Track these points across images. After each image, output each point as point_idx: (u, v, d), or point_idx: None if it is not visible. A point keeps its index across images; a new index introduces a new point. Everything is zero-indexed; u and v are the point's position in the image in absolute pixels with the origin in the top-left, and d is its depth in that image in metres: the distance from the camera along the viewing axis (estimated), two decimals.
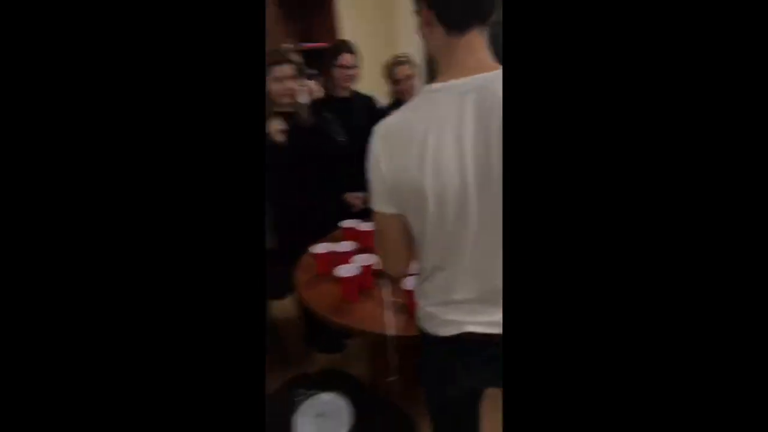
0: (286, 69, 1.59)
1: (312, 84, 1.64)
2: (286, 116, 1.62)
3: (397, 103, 1.85)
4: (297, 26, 2.58)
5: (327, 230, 1.63)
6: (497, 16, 0.66)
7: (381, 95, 2.03)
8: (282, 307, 2.02)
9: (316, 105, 1.67)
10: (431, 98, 0.66)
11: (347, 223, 1.53)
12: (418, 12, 0.67)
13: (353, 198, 1.80)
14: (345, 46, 1.76)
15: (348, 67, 1.74)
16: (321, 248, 1.41)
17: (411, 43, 2.25)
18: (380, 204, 0.72)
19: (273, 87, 1.59)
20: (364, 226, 1.49)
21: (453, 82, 0.64)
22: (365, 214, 0.80)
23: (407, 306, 1.10)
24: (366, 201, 1.50)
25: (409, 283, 1.08)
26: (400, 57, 1.87)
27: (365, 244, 1.42)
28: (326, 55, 1.82)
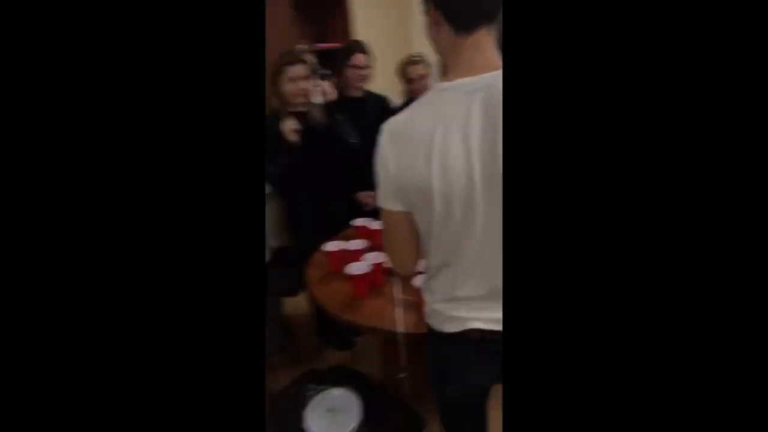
0: (299, 69, 1.61)
1: (326, 85, 1.66)
2: (300, 116, 1.65)
3: (411, 102, 1.86)
4: (312, 27, 2.61)
5: (339, 229, 1.65)
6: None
7: (395, 94, 2.04)
8: (295, 304, 2.05)
9: (330, 106, 1.69)
10: (439, 97, 0.67)
11: (359, 222, 1.54)
12: (427, 12, 0.68)
13: (365, 197, 1.81)
14: (358, 47, 1.78)
15: (361, 67, 1.75)
16: (333, 246, 1.43)
17: (425, 42, 2.25)
18: (387, 202, 0.73)
19: (287, 87, 1.61)
20: (376, 224, 1.50)
21: (460, 81, 0.65)
22: (377, 212, 0.81)
23: (417, 303, 1.10)
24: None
25: (418, 280, 1.09)
26: (413, 56, 1.87)
27: (376, 242, 1.43)
28: (339, 56, 1.84)
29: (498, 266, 0.69)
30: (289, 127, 1.59)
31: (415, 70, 1.83)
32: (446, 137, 0.64)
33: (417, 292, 1.11)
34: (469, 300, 0.74)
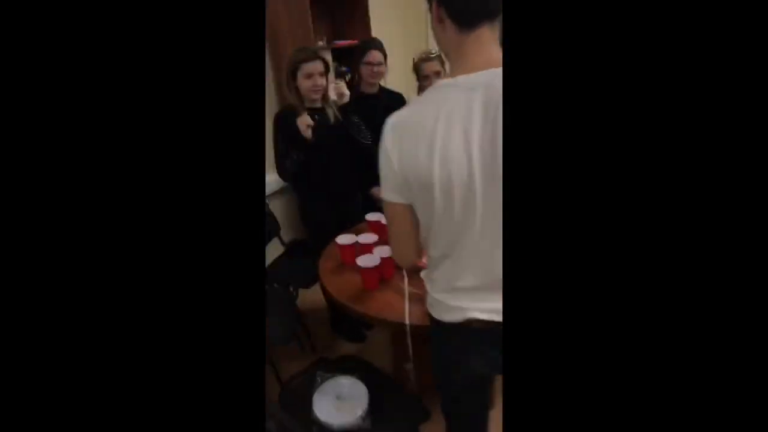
0: (316, 66, 1.64)
1: (342, 86, 1.69)
2: (316, 112, 1.68)
3: None
4: (330, 25, 2.64)
5: (352, 223, 1.69)
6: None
7: (411, 91, 2.06)
8: (309, 297, 2.10)
9: (344, 107, 1.72)
10: (441, 93, 0.69)
11: (371, 216, 1.57)
12: (431, 9, 0.70)
13: (378, 192, 1.84)
14: (372, 44, 1.80)
15: (375, 64, 1.77)
16: (345, 239, 1.47)
17: None
18: (390, 194, 0.75)
19: (303, 83, 1.65)
20: None
21: (462, 77, 0.67)
22: None
23: (424, 296, 1.13)
24: None
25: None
26: (428, 53, 1.89)
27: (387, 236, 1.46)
28: (355, 53, 1.87)
29: (496, 257, 0.70)
30: (305, 122, 1.63)
31: (430, 67, 1.84)
32: (447, 132, 0.66)
33: (423, 285, 1.14)
34: (469, 290, 0.76)
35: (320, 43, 2.31)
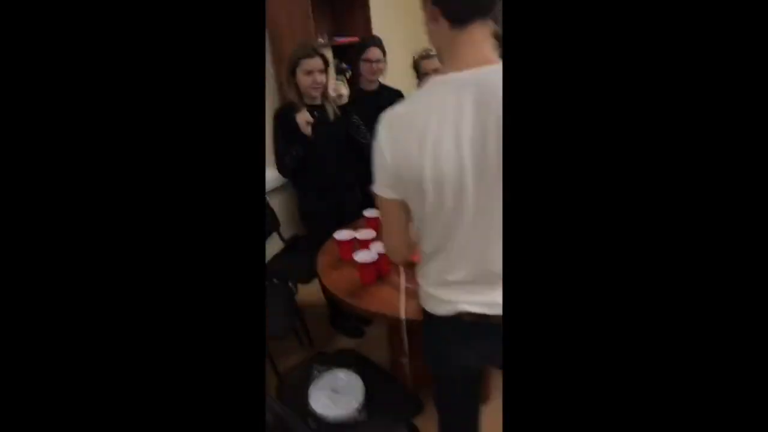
0: (316, 62, 1.66)
1: (341, 87, 1.69)
2: (315, 109, 1.70)
3: None
4: (332, 22, 2.65)
5: (351, 219, 1.70)
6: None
7: (410, 89, 2.07)
8: (308, 293, 2.12)
9: (344, 108, 1.73)
10: (434, 90, 0.70)
11: (370, 213, 1.59)
12: (424, 7, 0.71)
13: None
14: (372, 41, 1.81)
15: (374, 61, 1.78)
16: (343, 235, 1.48)
17: None
18: (383, 189, 0.77)
19: (302, 80, 1.66)
20: None
21: (454, 75, 0.68)
22: None
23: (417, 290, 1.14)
24: None
25: None
26: (428, 51, 1.90)
27: None
28: (354, 50, 1.88)
29: (486, 251, 0.72)
30: (304, 119, 1.64)
31: (429, 65, 1.85)
32: (439, 128, 0.67)
33: None
34: (460, 284, 0.77)
35: (321, 40, 2.31)
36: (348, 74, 2.44)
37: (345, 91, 1.69)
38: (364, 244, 1.40)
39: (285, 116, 1.68)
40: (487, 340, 0.78)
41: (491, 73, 0.66)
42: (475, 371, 0.89)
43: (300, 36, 2.12)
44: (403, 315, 1.10)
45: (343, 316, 2.00)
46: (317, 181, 1.77)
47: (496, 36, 1.69)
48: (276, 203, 2.27)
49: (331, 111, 1.73)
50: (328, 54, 2.40)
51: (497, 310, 0.76)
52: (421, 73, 1.91)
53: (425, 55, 1.88)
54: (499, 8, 0.70)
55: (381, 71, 1.82)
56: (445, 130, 0.67)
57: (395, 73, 2.00)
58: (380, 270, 1.32)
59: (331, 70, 2.00)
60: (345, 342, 1.99)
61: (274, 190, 2.28)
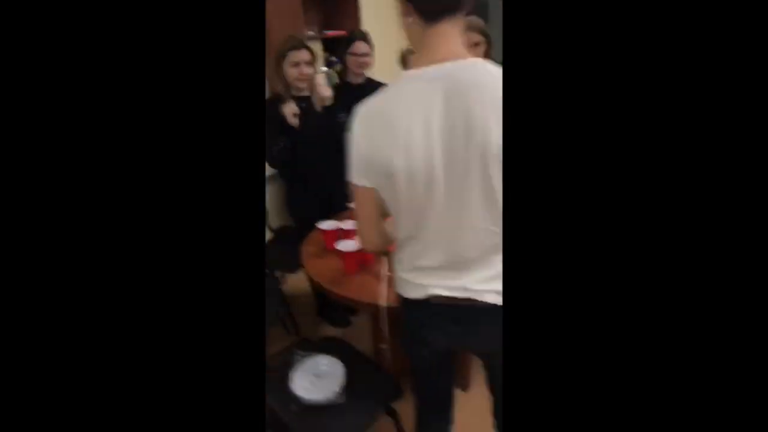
0: (303, 54, 1.67)
1: (325, 89, 1.70)
2: (302, 101, 1.72)
3: None
4: (321, 15, 2.66)
5: (337, 210, 1.73)
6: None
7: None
8: (295, 283, 2.15)
9: (329, 108, 1.73)
10: (406, 83, 0.73)
11: None
12: (398, 2, 0.73)
13: None
14: (358, 35, 1.83)
15: (360, 55, 1.80)
16: (328, 225, 1.51)
17: None
18: (357, 178, 0.79)
19: (290, 71, 1.68)
20: None
21: (425, 69, 0.71)
22: None
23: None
24: None
25: None
26: None
27: None
28: (341, 43, 1.90)
29: (456, 238, 0.75)
30: (290, 110, 1.66)
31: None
32: (410, 120, 0.70)
33: None
34: (431, 269, 0.80)
35: (310, 33, 2.33)
36: (338, 67, 2.45)
37: (328, 93, 1.70)
38: (348, 234, 1.43)
39: (273, 107, 1.70)
40: (458, 322, 0.82)
41: (460, 67, 0.69)
42: (448, 353, 0.93)
43: (289, 28, 2.13)
44: (383, 302, 1.13)
45: (330, 306, 2.03)
46: (304, 173, 1.79)
47: (478, 29, 1.71)
48: (265, 194, 2.29)
49: (317, 102, 1.75)
50: (318, 47, 2.41)
51: (467, 294, 0.79)
52: (408, 67, 1.93)
53: (412, 50, 1.90)
54: (470, 2, 0.72)
55: (367, 65, 1.84)
56: (415, 122, 0.70)
57: (384, 67, 2.02)
58: (363, 259, 1.35)
59: (319, 63, 2.02)
60: (331, 331, 2.02)
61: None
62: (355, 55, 1.80)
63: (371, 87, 1.95)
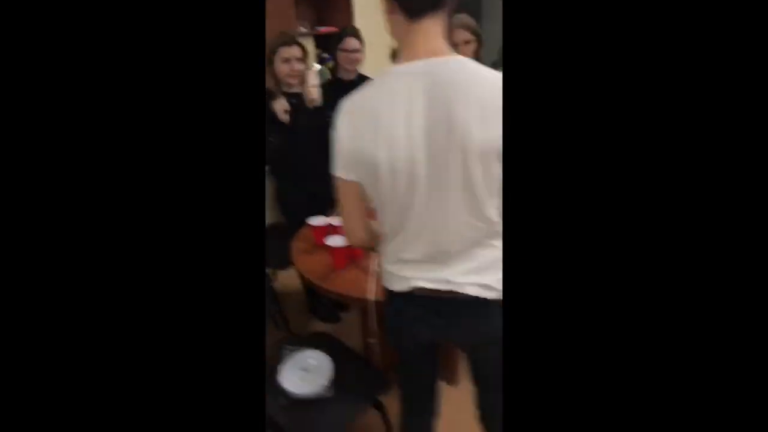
0: (294, 50, 1.68)
1: (313, 92, 1.70)
2: (293, 97, 1.72)
3: None
4: (315, 11, 2.65)
5: (327, 206, 1.73)
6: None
7: None
8: (286, 280, 2.15)
9: (318, 110, 1.73)
10: (389, 78, 0.74)
11: None
12: (382, 1, 0.74)
13: None
14: (349, 31, 1.83)
15: (351, 51, 1.81)
16: (318, 221, 1.52)
17: None
18: (340, 171, 0.80)
19: (280, 68, 1.68)
20: None
21: (407, 65, 0.72)
22: None
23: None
24: None
25: None
26: None
27: None
28: (332, 40, 1.90)
29: (438, 231, 0.77)
30: (282, 107, 1.66)
31: None
32: (392, 115, 0.71)
33: None
34: (414, 262, 0.82)
35: (302, 29, 2.33)
36: (330, 64, 2.45)
37: (317, 96, 1.70)
38: (338, 230, 1.44)
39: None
40: (441, 314, 0.83)
41: (442, 64, 0.70)
42: (432, 345, 0.94)
43: (280, 24, 2.13)
44: (371, 296, 1.14)
45: (320, 302, 2.04)
46: (295, 168, 1.80)
47: (468, 27, 1.72)
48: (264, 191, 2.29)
49: (308, 99, 1.76)
50: (310, 43, 2.41)
51: (449, 286, 0.81)
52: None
53: None
54: (453, 0, 0.74)
55: (358, 61, 1.85)
56: (397, 117, 0.71)
57: (376, 63, 2.03)
58: (352, 254, 1.36)
59: (311, 59, 2.02)
60: (322, 327, 2.03)
61: None
62: (346, 51, 1.81)
63: (363, 83, 1.95)
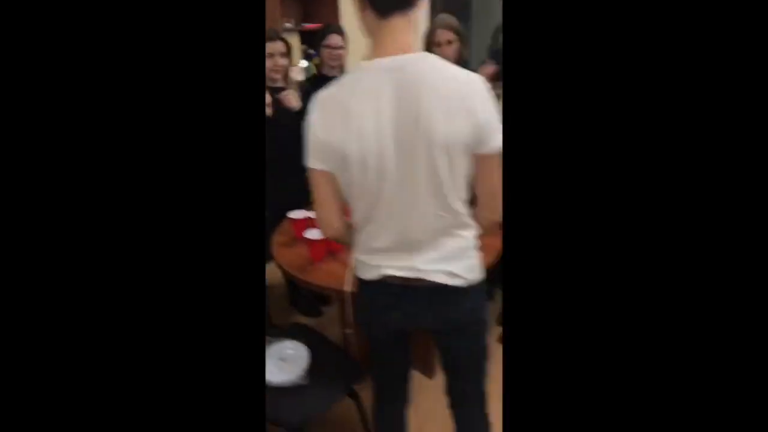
0: (277, 46, 1.69)
1: (294, 100, 1.71)
2: (276, 92, 1.73)
3: None
4: (302, 7, 2.67)
5: (308, 200, 1.75)
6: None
7: None
8: (268, 274, 2.16)
9: (300, 112, 1.74)
10: (360, 73, 0.77)
11: None
12: None
13: None
14: (332, 28, 1.85)
15: (334, 48, 1.83)
16: (297, 214, 1.54)
17: None
18: (313, 161, 0.83)
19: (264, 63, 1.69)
20: None
21: (378, 60, 0.75)
22: None
23: None
24: None
25: None
26: None
27: None
28: (317, 36, 1.92)
29: (408, 221, 0.80)
30: (265, 101, 1.67)
31: None
32: (362, 109, 0.74)
33: None
34: (384, 251, 0.85)
35: (288, 25, 2.34)
36: (316, 60, 2.47)
37: (297, 103, 1.71)
38: (317, 223, 1.46)
39: None
40: (410, 301, 0.86)
41: (410, 61, 0.73)
42: (402, 332, 0.97)
43: (268, 21, 2.14)
44: (348, 288, 1.17)
45: (302, 296, 2.06)
46: (276, 163, 1.81)
47: (450, 27, 1.74)
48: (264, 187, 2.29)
49: (293, 92, 1.77)
50: (295, 39, 2.42)
51: (417, 274, 0.84)
52: None
53: None
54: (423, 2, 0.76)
55: (341, 57, 1.87)
56: (367, 111, 0.74)
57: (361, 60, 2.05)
58: (331, 247, 1.38)
59: (295, 55, 2.02)
60: (303, 321, 2.04)
61: None
62: (330, 47, 1.83)
63: None
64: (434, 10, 3.11)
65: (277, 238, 1.56)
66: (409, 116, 0.72)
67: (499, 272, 1.54)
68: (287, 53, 1.74)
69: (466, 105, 0.72)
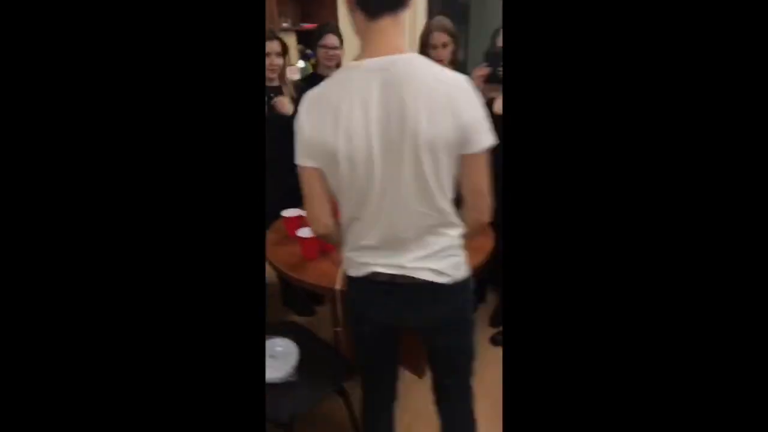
0: (271, 45, 1.70)
1: (287, 104, 1.72)
2: (272, 91, 1.74)
3: None
4: (299, 7, 2.68)
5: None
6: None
7: None
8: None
9: (299, 98, 1.75)
10: (348, 73, 0.78)
11: None
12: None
13: None
14: (328, 28, 1.86)
15: (330, 48, 1.84)
16: (291, 213, 1.54)
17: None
18: (302, 159, 0.84)
19: None
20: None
21: (366, 60, 0.76)
22: None
23: None
24: None
25: None
26: None
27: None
28: (313, 36, 1.93)
29: (395, 219, 0.81)
30: (265, 101, 1.68)
31: None
32: (350, 108, 0.75)
33: None
34: (371, 248, 0.86)
35: (285, 25, 2.35)
36: (313, 60, 2.48)
37: (289, 108, 1.72)
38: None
39: None
40: (397, 299, 0.87)
41: (397, 61, 0.74)
42: (389, 329, 0.98)
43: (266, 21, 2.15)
44: (338, 286, 1.18)
45: (295, 295, 2.07)
46: (272, 162, 1.81)
47: (445, 30, 1.76)
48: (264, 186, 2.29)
49: (287, 93, 1.78)
50: (293, 39, 2.43)
51: (403, 272, 0.85)
52: None
53: None
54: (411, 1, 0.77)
55: (337, 58, 1.88)
56: (355, 110, 0.75)
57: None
58: (322, 245, 1.39)
59: (291, 54, 2.03)
60: (296, 320, 2.05)
61: None
62: (326, 47, 1.84)
63: None
64: (431, 13, 3.13)
65: (270, 236, 1.57)
66: (395, 116, 0.73)
67: (490, 273, 1.56)
68: (283, 53, 1.75)
69: (452, 105, 0.73)
